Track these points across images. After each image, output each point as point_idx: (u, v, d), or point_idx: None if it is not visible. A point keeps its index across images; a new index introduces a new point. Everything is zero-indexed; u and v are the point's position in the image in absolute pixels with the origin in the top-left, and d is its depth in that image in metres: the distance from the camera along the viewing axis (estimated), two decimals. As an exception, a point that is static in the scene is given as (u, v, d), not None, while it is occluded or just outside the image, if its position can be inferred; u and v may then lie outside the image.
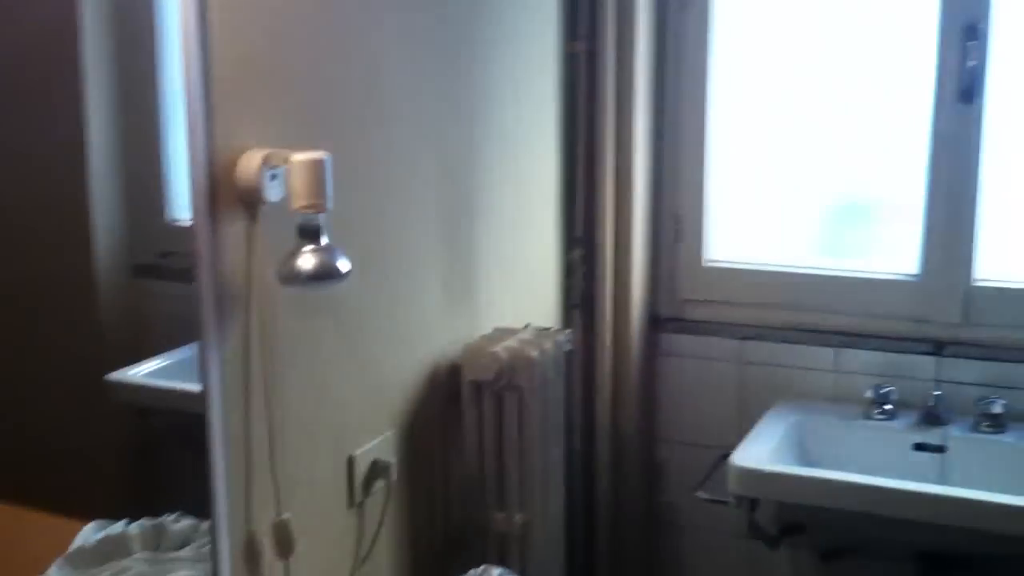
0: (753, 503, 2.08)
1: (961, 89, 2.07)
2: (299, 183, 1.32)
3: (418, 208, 1.77)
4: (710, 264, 2.39)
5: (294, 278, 1.34)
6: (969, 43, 2.04)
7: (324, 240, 1.34)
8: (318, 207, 1.33)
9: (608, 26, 2.18)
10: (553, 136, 2.23)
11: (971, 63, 2.05)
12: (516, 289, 2.14)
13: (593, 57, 2.21)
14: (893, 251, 2.23)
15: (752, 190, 2.35)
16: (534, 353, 1.85)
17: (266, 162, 1.33)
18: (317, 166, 1.32)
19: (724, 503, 2.16)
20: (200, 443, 1.35)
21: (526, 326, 2.02)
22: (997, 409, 2.10)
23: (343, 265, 1.36)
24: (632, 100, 2.22)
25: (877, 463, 2.08)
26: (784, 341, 2.32)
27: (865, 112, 2.21)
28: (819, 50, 2.23)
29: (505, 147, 2.03)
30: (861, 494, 1.94)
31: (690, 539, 2.48)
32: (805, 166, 2.30)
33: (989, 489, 1.91)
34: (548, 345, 1.90)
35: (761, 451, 2.08)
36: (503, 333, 1.96)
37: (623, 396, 2.35)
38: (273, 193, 1.35)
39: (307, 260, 1.33)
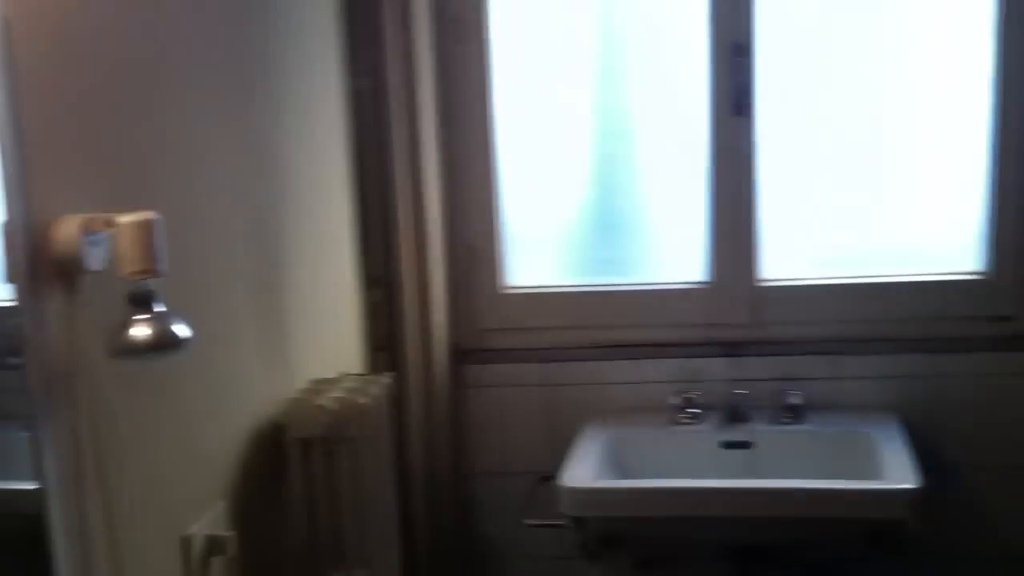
0: (581, 522, 2.10)
1: (733, 102, 2.19)
2: (127, 247, 1.20)
3: (229, 264, 1.67)
4: (507, 291, 2.40)
5: (129, 350, 1.22)
6: (737, 59, 2.16)
7: (158, 307, 1.23)
8: (150, 272, 1.22)
9: (391, 62, 2.15)
10: (344, 176, 2.17)
11: (740, 78, 2.17)
12: (323, 338, 2.06)
13: (378, 93, 2.18)
14: (683, 261, 2.32)
15: (544, 213, 2.38)
16: (364, 400, 1.79)
17: (85, 227, 1.21)
18: (146, 228, 1.21)
19: (553, 526, 2.17)
20: (32, 546, 1.20)
21: (343, 375, 1.95)
22: (795, 401, 2.23)
23: (182, 332, 1.25)
24: (420, 134, 2.21)
25: (690, 466, 2.16)
26: (586, 359, 2.37)
27: (646, 127, 2.29)
28: (595, 69, 2.30)
29: (300, 192, 1.96)
30: (684, 497, 2.01)
31: (511, 569, 2.47)
32: (590, 184, 2.36)
33: (795, 477, 2.04)
34: (375, 391, 1.85)
35: (586, 470, 2.11)
36: (322, 384, 1.88)
37: (433, 434, 2.32)
38: (95, 260, 1.23)
39: (142, 330, 1.22)
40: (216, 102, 1.63)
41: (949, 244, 2.26)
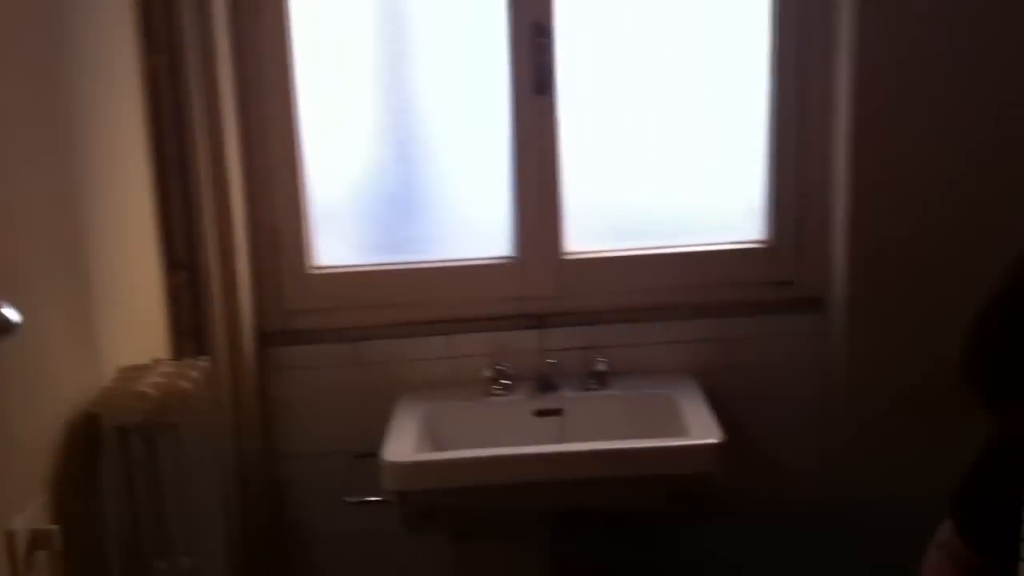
0: (403, 496, 2.12)
1: (535, 81, 2.25)
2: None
3: (29, 249, 1.58)
4: (314, 271, 2.38)
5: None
6: (538, 40, 2.23)
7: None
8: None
9: (187, 38, 2.08)
10: (143, 156, 2.09)
11: (542, 57, 2.24)
12: (131, 324, 1.98)
13: (175, 70, 2.10)
14: (490, 236, 2.37)
15: (350, 192, 2.37)
16: (185, 385, 1.74)
17: None
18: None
19: (373, 503, 2.19)
20: None
21: (156, 361, 1.88)
22: (601, 368, 2.33)
23: (12, 315, 1.19)
24: (220, 113, 2.15)
25: (505, 435, 2.22)
26: (398, 337, 2.38)
27: (450, 105, 2.32)
28: (396, 47, 2.31)
29: (98, 174, 1.87)
30: (502, 465, 2.07)
31: (330, 550, 2.46)
32: (396, 162, 2.37)
33: (605, 439, 2.13)
34: (195, 375, 1.79)
35: (405, 445, 2.13)
36: (134, 371, 1.81)
37: (243, 419, 2.28)
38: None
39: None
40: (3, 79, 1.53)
41: (736, 215, 2.41)
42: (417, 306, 2.38)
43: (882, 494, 2.33)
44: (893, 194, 2.23)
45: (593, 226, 2.38)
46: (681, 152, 2.36)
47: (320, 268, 2.38)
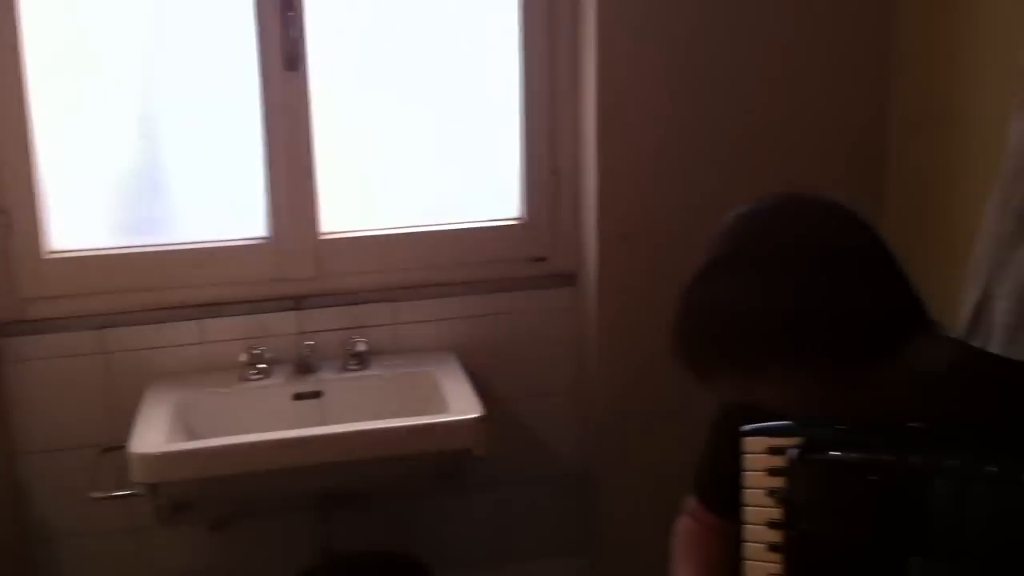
0: (154, 488, 2.03)
1: (286, 57, 2.19)
2: None
3: None
4: (52, 256, 2.23)
5: None
6: (288, 14, 2.17)
7: None
8: None
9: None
10: None
11: (292, 33, 2.18)
12: None
13: None
14: (245, 216, 2.30)
15: (89, 173, 2.24)
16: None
17: None
18: None
19: (122, 497, 2.09)
20: None
21: None
22: (360, 348, 2.30)
23: None
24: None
25: (263, 421, 2.16)
26: (146, 323, 2.27)
27: (197, 83, 2.23)
28: (132, 23, 2.19)
29: None
30: (259, 451, 2.01)
31: (75, 547, 2.33)
32: (138, 142, 2.25)
33: (367, 420, 2.12)
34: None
35: (155, 436, 2.04)
36: None
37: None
38: None
39: None
40: None
41: (493, 193, 2.44)
42: (166, 290, 2.27)
43: (637, 462, 2.43)
44: (638, 174, 2.31)
45: (350, 205, 2.35)
46: (437, 130, 2.37)
47: (58, 252, 2.23)
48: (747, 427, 1.20)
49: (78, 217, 2.25)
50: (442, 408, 2.14)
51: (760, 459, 1.19)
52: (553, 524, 2.57)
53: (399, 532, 2.45)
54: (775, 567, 1.14)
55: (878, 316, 1.12)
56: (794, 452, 1.12)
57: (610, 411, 2.40)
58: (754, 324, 1.11)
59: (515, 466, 2.49)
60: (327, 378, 2.28)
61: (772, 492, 1.16)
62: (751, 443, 1.19)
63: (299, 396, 2.25)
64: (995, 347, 1.53)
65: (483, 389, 2.25)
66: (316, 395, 2.26)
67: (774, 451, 1.17)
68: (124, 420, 2.09)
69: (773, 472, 1.16)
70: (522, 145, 2.39)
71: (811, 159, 2.32)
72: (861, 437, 1.13)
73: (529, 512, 2.54)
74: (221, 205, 2.33)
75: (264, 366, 2.27)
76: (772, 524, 1.16)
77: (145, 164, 2.27)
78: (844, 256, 1.12)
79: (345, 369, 2.30)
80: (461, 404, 2.13)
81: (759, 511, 1.18)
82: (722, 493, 1.35)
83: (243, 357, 2.26)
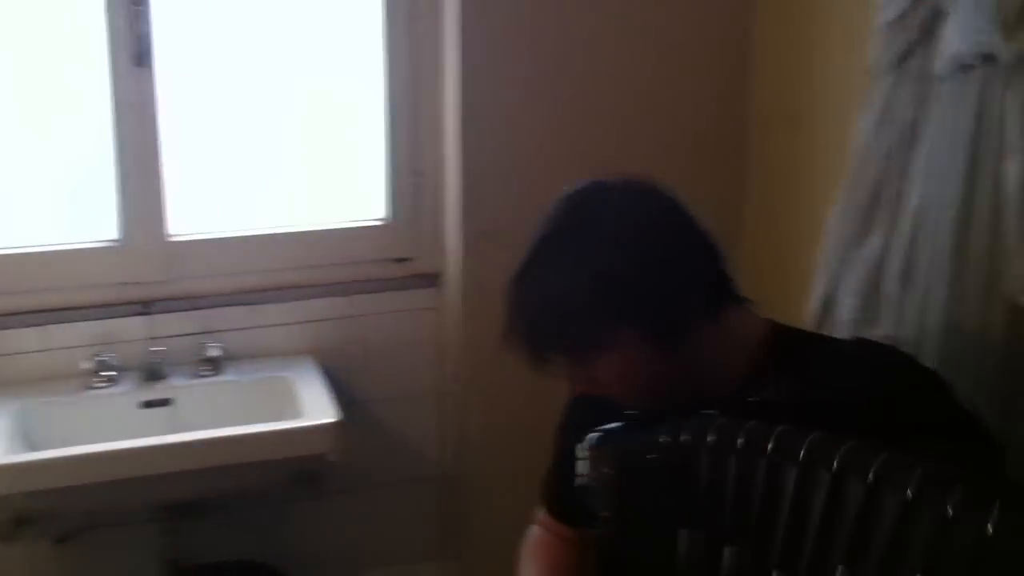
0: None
1: (134, 53, 2.11)
2: None
3: None
4: None
5: None
6: (135, 7, 2.08)
7: None
8: None
9: None
10: None
11: (139, 27, 2.09)
12: None
13: None
14: (93, 218, 2.20)
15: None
16: None
17: None
18: None
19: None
20: None
21: None
22: (213, 353, 2.23)
23: None
24: None
25: (109, 430, 2.06)
26: (-15, 329, 2.16)
27: (40, 78, 2.13)
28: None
29: None
30: (100, 463, 1.94)
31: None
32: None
33: (219, 427, 2.04)
34: None
35: (-9, 449, 1.93)
36: None
37: None
38: None
39: None
40: None
41: (356, 194, 2.39)
42: (7, 295, 2.16)
43: (500, 465, 2.40)
44: (502, 173, 2.28)
45: (203, 207, 2.27)
46: (296, 130, 2.31)
47: None
48: (591, 435, 1.20)
49: None
50: (297, 413, 2.08)
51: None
52: (415, 528, 2.53)
53: (255, 541, 2.38)
54: None
55: (698, 284, 1.18)
56: (592, 439, 1.15)
57: (473, 413, 2.37)
58: (583, 297, 1.13)
59: (376, 470, 2.44)
60: (177, 385, 2.19)
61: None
62: (581, 449, 1.21)
63: (148, 404, 2.16)
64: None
65: (344, 392, 2.20)
66: (165, 403, 2.17)
67: None
68: (-41, 433, 1.98)
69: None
70: (385, 145, 2.35)
71: (674, 155, 2.32)
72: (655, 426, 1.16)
73: (390, 516, 2.49)
74: (68, 206, 2.23)
75: (111, 373, 2.17)
76: None
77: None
78: (661, 230, 1.18)
79: (197, 375, 2.22)
80: (316, 409, 2.08)
81: None
82: (567, 501, 1.35)
83: (88, 364, 2.15)
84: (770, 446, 1.03)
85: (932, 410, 1.15)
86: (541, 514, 1.51)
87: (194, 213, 2.26)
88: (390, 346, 2.40)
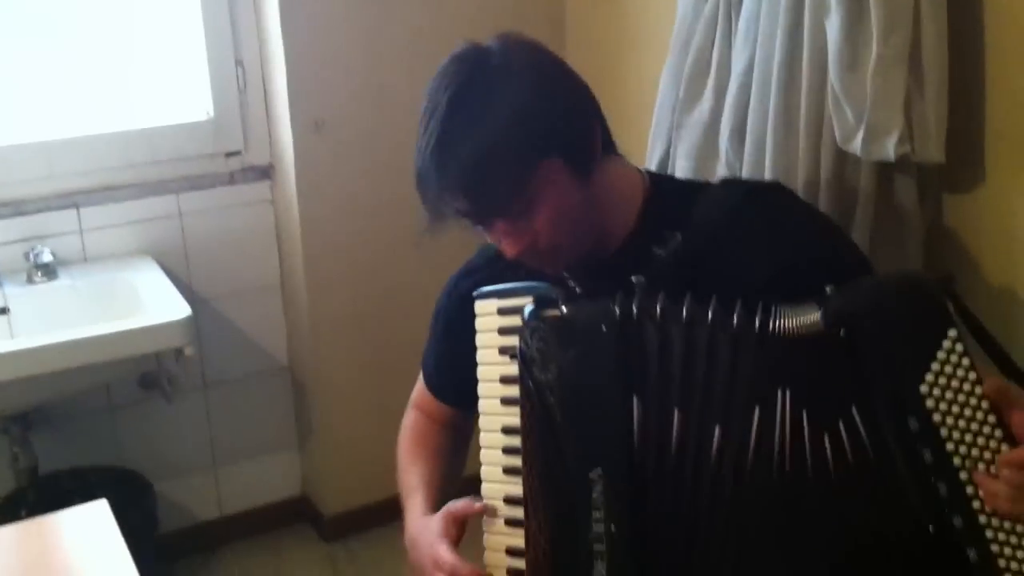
0: None
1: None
2: None
3: None
4: None
5: None
6: None
7: None
8: None
9: None
10: None
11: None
12: None
13: None
14: None
15: None
16: None
17: None
18: None
19: None
20: None
21: None
22: (45, 259, 2.15)
23: None
24: None
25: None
26: None
27: None
28: None
29: None
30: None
31: None
32: None
33: (59, 331, 1.99)
34: None
35: None
36: None
37: None
38: None
39: None
40: None
41: (181, 90, 2.33)
42: None
43: (346, 354, 2.45)
44: (327, 62, 2.28)
45: (22, 112, 2.17)
46: (115, 30, 2.22)
47: None
48: (479, 291, 1.23)
49: None
50: (145, 312, 2.05)
51: (490, 320, 1.22)
52: (270, 421, 2.55)
53: (115, 446, 2.35)
54: (510, 419, 1.18)
55: (597, 110, 1.26)
56: (528, 309, 1.16)
57: (317, 303, 2.39)
58: (509, 138, 1.16)
59: (227, 366, 2.44)
60: (12, 293, 2.11)
61: (504, 350, 1.20)
62: (481, 306, 1.23)
63: (-18, 313, 2.08)
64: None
65: (186, 292, 2.18)
66: (1, 312, 2.09)
67: (503, 311, 1.21)
68: None
69: (504, 331, 1.20)
70: (206, 39, 2.29)
71: (495, 28, 2.37)
72: (584, 294, 1.21)
73: (245, 411, 2.50)
74: None
75: (-64, 286, 2.07)
76: (505, 380, 1.20)
77: None
78: (556, 65, 1.25)
79: (31, 282, 2.14)
80: (165, 306, 2.05)
81: (492, 368, 1.22)
82: (451, 379, 1.39)
83: (-90, 279, 2.05)
84: (710, 318, 1.08)
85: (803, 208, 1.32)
86: (420, 394, 1.51)
87: (12, 119, 2.15)
88: (229, 242, 2.38)
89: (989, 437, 1.03)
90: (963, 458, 1.03)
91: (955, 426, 1.03)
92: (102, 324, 1.99)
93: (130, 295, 2.12)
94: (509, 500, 1.20)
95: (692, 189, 1.38)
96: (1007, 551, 1.03)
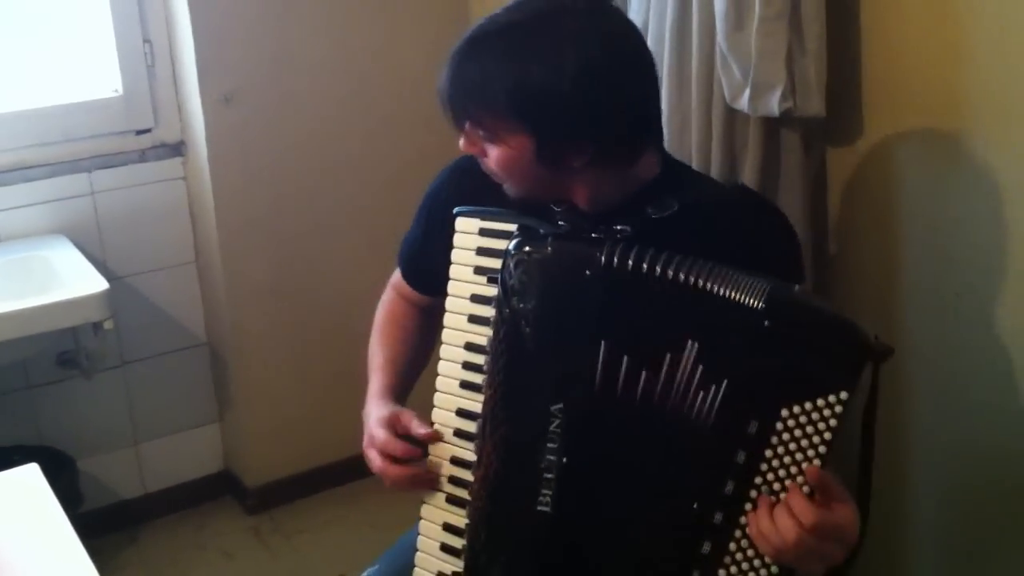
0: None
1: None
2: None
3: None
4: None
5: None
6: None
7: None
8: None
9: None
10: None
11: None
12: None
13: None
14: None
15: None
16: None
17: None
18: None
19: None
20: None
21: None
22: (-42, 238, 2.15)
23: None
24: None
25: None
26: None
27: None
28: None
29: None
30: None
31: None
32: None
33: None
34: None
35: None
36: None
37: None
38: None
39: None
40: None
41: (89, 68, 2.33)
42: None
43: (264, 326, 2.48)
44: (236, 35, 2.30)
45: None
46: (23, 8, 2.22)
47: None
48: (461, 208, 1.27)
49: None
50: (62, 287, 2.07)
51: (470, 238, 1.26)
52: (186, 397, 2.57)
53: (34, 425, 2.36)
54: (474, 337, 1.24)
55: (657, 94, 1.29)
56: (515, 239, 1.20)
57: (233, 277, 2.42)
58: (566, 86, 1.15)
59: (145, 343, 2.46)
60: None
61: (480, 270, 1.25)
62: (463, 222, 1.27)
63: None
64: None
65: (102, 269, 2.19)
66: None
67: (484, 232, 1.25)
68: None
69: (482, 252, 1.25)
70: (112, 15, 2.30)
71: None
72: (572, 234, 1.22)
73: (165, 386, 2.52)
74: None
75: None
76: (476, 298, 1.25)
77: None
78: (637, 39, 1.25)
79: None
80: (82, 281, 2.07)
81: (464, 285, 1.26)
82: (426, 271, 1.43)
83: None
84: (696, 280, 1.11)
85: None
86: (397, 279, 1.55)
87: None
88: (142, 219, 2.39)
89: (794, 486, 1.07)
90: (765, 482, 1.09)
91: (778, 458, 1.08)
92: (19, 300, 2.00)
93: (46, 272, 2.13)
94: (461, 413, 1.26)
95: (705, 180, 1.46)
96: (732, 569, 1.11)
